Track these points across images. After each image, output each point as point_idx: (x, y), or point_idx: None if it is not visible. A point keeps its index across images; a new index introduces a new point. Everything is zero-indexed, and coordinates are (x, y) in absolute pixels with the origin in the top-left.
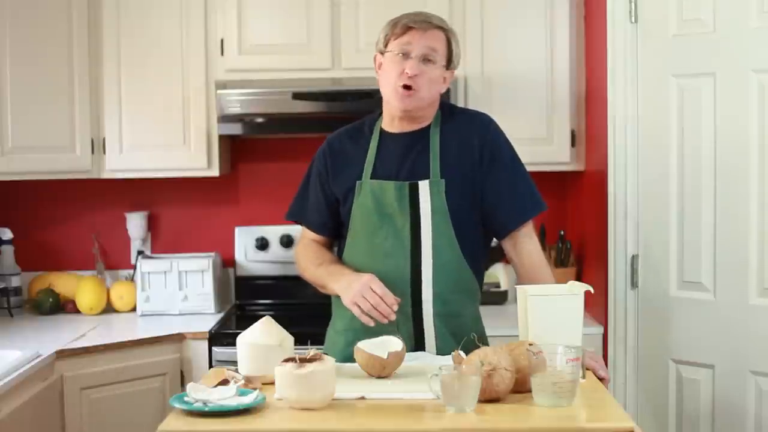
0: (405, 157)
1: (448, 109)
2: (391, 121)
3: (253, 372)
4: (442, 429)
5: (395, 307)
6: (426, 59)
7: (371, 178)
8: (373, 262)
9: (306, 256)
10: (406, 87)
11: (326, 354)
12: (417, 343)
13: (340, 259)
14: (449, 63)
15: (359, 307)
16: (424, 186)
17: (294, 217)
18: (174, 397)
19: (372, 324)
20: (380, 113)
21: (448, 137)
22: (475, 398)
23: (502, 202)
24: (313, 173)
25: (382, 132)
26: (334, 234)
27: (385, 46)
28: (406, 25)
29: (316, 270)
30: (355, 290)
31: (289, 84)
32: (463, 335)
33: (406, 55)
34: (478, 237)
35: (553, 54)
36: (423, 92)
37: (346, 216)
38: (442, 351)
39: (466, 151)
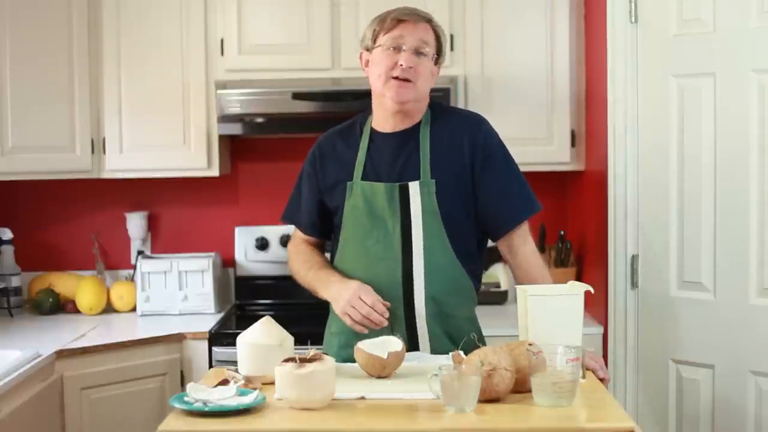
0: (395, 158)
1: (438, 109)
2: (383, 120)
3: (253, 372)
4: (442, 429)
5: (386, 315)
6: (418, 52)
7: (362, 180)
8: (365, 266)
9: (297, 260)
10: (402, 79)
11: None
12: (410, 345)
13: (332, 262)
14: (438, 58)
15: (350, 317)
16: (414, 187)
17: (287, 219)
18: (174, 397)
19: (365, 332)
20: (370, 112)
21: (439, 137)
22: (475, 398)
23: (496, 203)
24: (303, 175)
25: (373, 132)
26: (324, 235)
27: (374, 41)
28: (396, 18)
29: (307, 274)
30: (345, 300)
31: (288, 84)
32: (457, 335)
33: (397, 49)
34: (472, 237)
35: (553, 54)
36: (419, 84)
37: (338, 218)
38: (436, 352)
39: (457, 151)
